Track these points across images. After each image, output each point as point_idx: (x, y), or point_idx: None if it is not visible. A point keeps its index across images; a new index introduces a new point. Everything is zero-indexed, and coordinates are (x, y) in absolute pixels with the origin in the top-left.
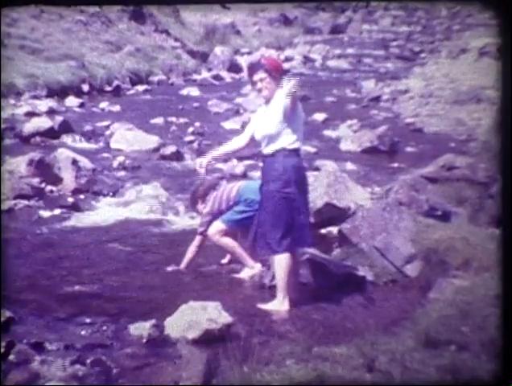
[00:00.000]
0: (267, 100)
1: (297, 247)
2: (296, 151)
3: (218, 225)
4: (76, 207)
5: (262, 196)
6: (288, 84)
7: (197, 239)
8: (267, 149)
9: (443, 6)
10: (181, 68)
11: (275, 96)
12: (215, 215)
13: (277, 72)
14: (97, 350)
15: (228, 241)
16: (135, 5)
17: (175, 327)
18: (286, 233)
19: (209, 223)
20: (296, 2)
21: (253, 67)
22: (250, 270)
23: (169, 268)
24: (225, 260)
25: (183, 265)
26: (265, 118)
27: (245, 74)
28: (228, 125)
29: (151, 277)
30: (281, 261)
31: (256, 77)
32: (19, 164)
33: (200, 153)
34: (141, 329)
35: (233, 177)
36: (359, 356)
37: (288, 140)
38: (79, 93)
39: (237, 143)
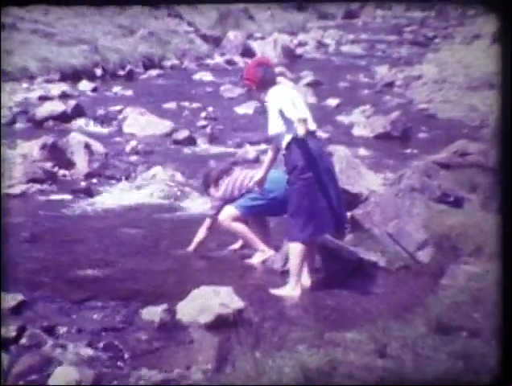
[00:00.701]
0: (263, 104)
1: (321, 232)
2: (312, 133)
3: (230, 210)
4: (88, 192)
5: (288, 185)
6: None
7: (207, 221)
8: (282, 144)
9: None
10: (194, 53)
11: (268, 97)
12: (226, 201)
13: (255, 80)
14: (108, 334)
15: (238, 226)
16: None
17: (187, 312)
18: (307, 221)
19: (220, 207)
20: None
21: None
22: (262, 255)
23: (180, 252)
24: (236, 246)
25: (191, 247)
26: (269, 119)
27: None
28: (240, 109)
29: (163, 261)
30: (296, 248)
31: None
32: (32, 148)
33: (212, 138)
34: (153, 313)
35: (246, 161)
36: (371, 342)
37: (295, 131)
38: (92, 77)
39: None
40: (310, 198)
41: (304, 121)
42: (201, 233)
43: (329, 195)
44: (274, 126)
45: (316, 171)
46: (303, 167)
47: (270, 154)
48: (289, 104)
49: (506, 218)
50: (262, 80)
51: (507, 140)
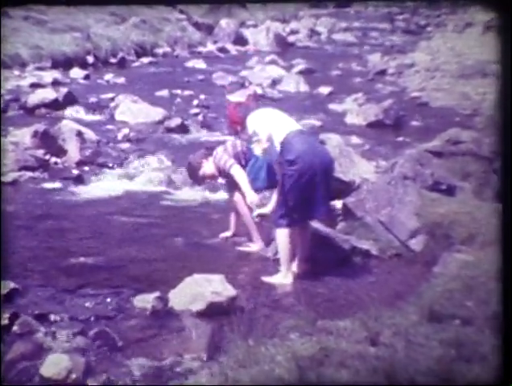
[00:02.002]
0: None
1: (306, 219)
2: (299, 131)
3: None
4: (80, 179)
5: (282, 176)
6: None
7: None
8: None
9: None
10: (186, 40)
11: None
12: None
13: (239, 121)
14: (101, 321)
15: (248, 210)
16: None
17: (179, 300)
18: (292, 209)
19: (231, 159)
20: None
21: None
22: (256, 245)
23: (222, 235)
24: (228, 234)
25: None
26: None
27: (250, 47)
28: (233, 97)
29: (155, 249)
30: (282, 235)
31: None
32: (24, 135)
33: (204, 125)
34: (145, 301)
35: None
36: (363, 330)
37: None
38: (84, 65)
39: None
40: (296, 189)
41: (259, 141)
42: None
43: (315, 187)
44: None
45: (302, 165)
46: (294, 159)
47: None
48: (260, 125)
49: (503, 206)
50: (245, 118)
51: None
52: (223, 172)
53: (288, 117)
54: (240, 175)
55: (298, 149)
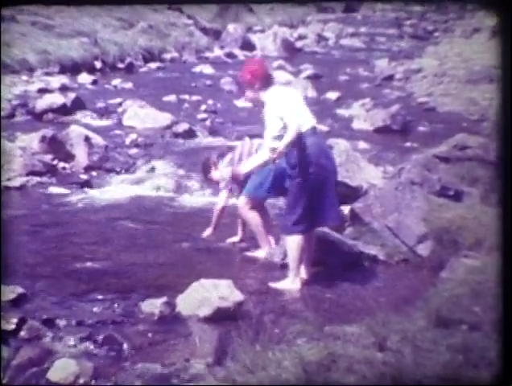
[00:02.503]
0: (262, 105)
1: (318, 225)
2: (313, 129)
3: (242, 200)
4: (88, 184)
5: (290, 179)
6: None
7: (223, 195)
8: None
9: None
10: (194, 46)
11: (268, 97)
12: (235, 178)
13: (251, 81)
14: (108, 326)
15: (255, 218)
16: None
17: (187, 305)
18: (304, 215)
19: (230, 184)
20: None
21: (240, 84)
22: (263, 251)
23: (229, 240)
24: (235, 239)
25: (209, 232)
26: (267, 122)
27: (258, 52)
28: (240, 103)
29: (163, 254)
30: (293, 241)
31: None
32: (32, 140)
33: (212, 130)
34: (152, 306)
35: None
36: (370, 335)
37: (304, 124)
38: (91, 70)
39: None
40: (309, 193)
41: (273, 150)
42: (217, 209)
43: (327, 191)
44: (274, 131)
45: (316, 169)
46: (304, 165)
47: (264, 156)
48: (289, 110)
49: (506, 211)
50: (266, 75)
51: (507, 134)
52: (237, 177)
53: (304, 106)
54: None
55: (312, 153)
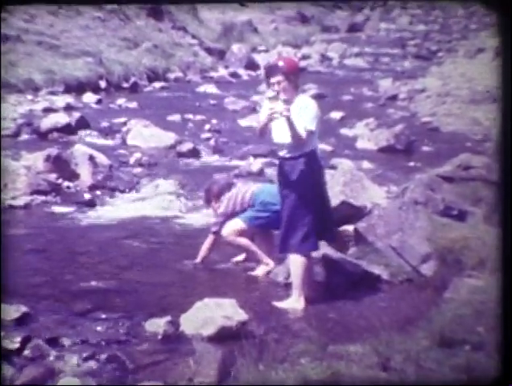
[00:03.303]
0: (286, 101)
1: (319, 241)
2: (314, 151)
3: (236, 223)
4: (92, 203)
5: (283, 198)
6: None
7: (210, 238)
8: (287, 154)
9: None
10: (198, 65)
11: (296, 102)
12: (228, 217)
13: (295, 75)
14: (112, 346)
15: (242, 240)
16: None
17: (191, 324)
18: (308, 233)
19: (223, 223)
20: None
21: (271, 70)
22: (265, 267)
23: (186, 262)
24: (239, 258)
25: (198, 260)
26: (295, 118)
27: (261, 72)
28: (244, 122)
29: (167, 273)
30: (297, 260)
31: (273, 80)
32: (36, 160)
33: (216, 150)
34: (156, 325)
35: (250, 174)
36: (374, 355)
37: (309, 145)
38: (96, 89)
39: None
40: (310, 212)
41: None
42: (204, 249)
43: (327, 208)
44: (311, 124)
45: (312, 185)
46: (308, 182)
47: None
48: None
49: (508, 232)
50: (298, 73)
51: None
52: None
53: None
54: (248, 246)
55: (306, 172)
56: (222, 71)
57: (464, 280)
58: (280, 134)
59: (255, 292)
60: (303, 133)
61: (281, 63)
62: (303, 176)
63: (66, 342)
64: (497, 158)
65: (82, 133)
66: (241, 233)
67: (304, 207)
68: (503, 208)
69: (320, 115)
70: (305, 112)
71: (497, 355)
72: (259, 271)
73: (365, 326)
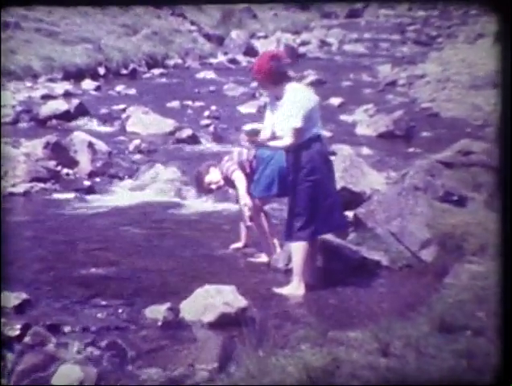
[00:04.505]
0: (274, 99)
1: (324, 231)
2: (319, 136)
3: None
4: (91, 190)
5: (289, 185)
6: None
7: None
8: (268, 142)
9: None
10: (197, 52)
11: (286, 92)
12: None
13: (266, 75)
14: (112, 332)
15: (260, 221)
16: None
17: (191, 311)
18: (310, 221)
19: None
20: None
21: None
22: (266, 255)
23: (233, 246)
24: (239, 245)
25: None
26: (284, 114)
27: None
28: (244, 109)
29: (167, 259)
30: (299, 247)
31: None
32: (35, 147)
33: (215, 136)
34: (156, 312)
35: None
36: (374, 341)
37: (311, 130)
38: (95, 76)
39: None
40: (315, 198)
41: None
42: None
43: (331, 196)
44: (295, 121)
45: (321, 173)
46: (313, 168)
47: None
48: (302, 113)
49: (508, 217)
50: (276, 74)
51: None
52: (227, 179)
53: (317, 109)
54: (239, 180)
55: (316, 159)
56: (221, 58)
57: (464, 265)
58: (282, 125)
59: (255, 278)
60: (287, 139)
61: (253, 68)
62: (306, 163)
63: (66, 329)
64: (498, 144)
65: (81, 120)
66: (257, 210)
67: (309, 194)
68: (503, 194)
69: (314, 104)
70: (292, 107)
71: (498, 341)
72: (260, 258)
73: (365, 312)
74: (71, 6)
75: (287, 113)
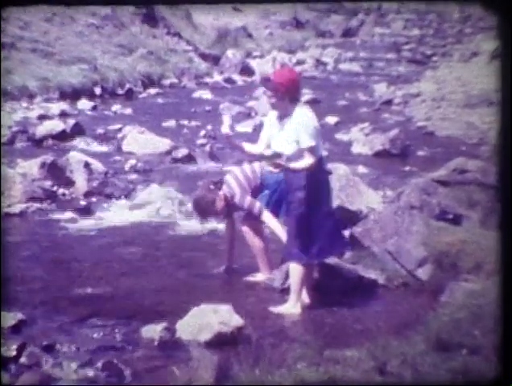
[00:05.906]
0: (281, 116)
1: (324, 256)
2: (321, 158)
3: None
4: (88, 210)
5: (287, 206)
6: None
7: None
8: (291, 164)
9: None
10: (193, 71)
11: (294, 115)
12: (249, 188)
13: (287, 89)
14: (108, 352)
15: (258, 240)
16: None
17: (187, 330)
18: (309, 243)
19: (247, 197)
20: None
21: (264, 83)
22: (262, 275)
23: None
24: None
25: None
26: (285, 137)
27: (256, 77)
28: (240, 128)
29: (163, 279)
30: (297, 268)
31: (267, 93)
32: (32, 167)
33: (211, 156)
34: (152, 331)
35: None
36: (370, 359)
37: (319, 152)
38: (91, 96)
39: (253, 148)
40: (314, 220)
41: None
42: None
43: (330, 217)
44: (296, 146)
45: (320, 195)
46: (312, 189)
47: (254, 149)
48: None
49: (505, 235)
50: (298, 90)
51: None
52: (233, 206)
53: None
54: (273, 223)
55: (315, 180)
56: (217, 77)
57: (460, 284)
58: (280, 145)
59: (251, 297)
60: (308, 159)
61: (272, 77)
62: (307, 184)
63: (62, 349)
64: (495, 161)
65: (77, 140)
66: (255, 230)
67: (308, 215)
68: (501, 212)
69: (319, 128)
70: (303, 127)
71: (494, 359)
72: (256, 277)
73: (361, 331)
74: (71, 5)
75: (298, 134)
